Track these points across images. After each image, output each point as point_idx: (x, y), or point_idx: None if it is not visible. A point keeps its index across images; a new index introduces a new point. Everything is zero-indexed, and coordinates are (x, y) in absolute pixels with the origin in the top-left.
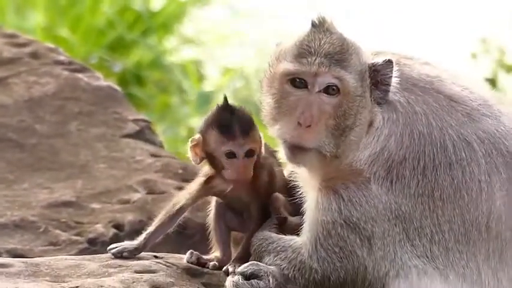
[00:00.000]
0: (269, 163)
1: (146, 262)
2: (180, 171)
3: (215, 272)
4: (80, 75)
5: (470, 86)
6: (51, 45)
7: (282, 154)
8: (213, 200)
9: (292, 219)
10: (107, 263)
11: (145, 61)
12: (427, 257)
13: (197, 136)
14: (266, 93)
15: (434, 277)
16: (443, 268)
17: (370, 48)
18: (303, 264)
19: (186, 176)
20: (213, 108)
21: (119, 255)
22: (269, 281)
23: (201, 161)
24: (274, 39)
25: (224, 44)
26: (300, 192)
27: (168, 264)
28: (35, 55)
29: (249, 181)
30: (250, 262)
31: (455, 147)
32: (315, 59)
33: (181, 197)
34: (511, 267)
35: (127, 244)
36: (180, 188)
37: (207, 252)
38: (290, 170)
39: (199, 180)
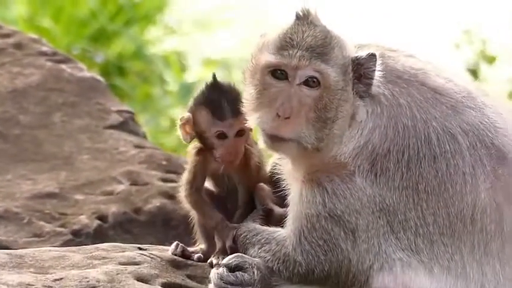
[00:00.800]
0: (258, 149)
1: (130, 254)
2: (164, 162)
3: (200, 264)
4: (63, 66)
5: (454, 78)
6: (34, 36)
7: (261, 142)
8: None
9: (278, 211)
10: (91, 254)
11: (127, 52)
12: (412, 250)
13: (187, 115)
14: (248, 83)
15: (418, 270)
16: (428, 261)
17: (354, 40)
18: (287, 257)
19: (170, 167)
20: (202, 86)
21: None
22: (254, 273)
23: (191, 139)
24: (257, 30)
25: (207, 35)
26: (284, 185)
27: (152, 256)
28: (18, 46)
29: (239, 161)
30: (235, 254)
31: (439, 139)
32: (297, 51)
33: (185, 181)
34: (496, 260)
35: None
36: (164, 180)
37: (191, 244)
38: (274, 162)
39: (192, 156)
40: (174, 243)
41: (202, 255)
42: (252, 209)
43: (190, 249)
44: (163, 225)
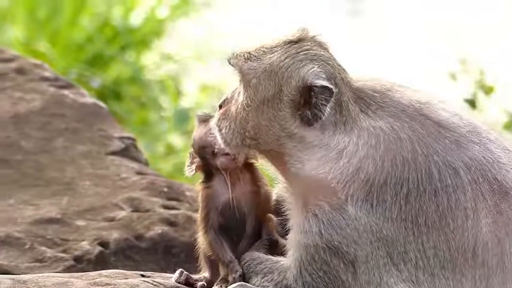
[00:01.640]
0: (265, 182)
1: (134, 281)
2: (165, 189)
3: None
4: (65, 92)
5: (460, 113)
6: (36, 61)
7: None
8: None
9: (283, 242)
10: (94, 281)
11: (123, 77)
12: (413, 282)
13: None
14: None
15: None
16: None
17: (360, 73)
18: None
19: (171, 194)
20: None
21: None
22: None
23: (197, 169)
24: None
25: (202, 61)
26: (287, 215)
27: (155, 283)
28: (20, 71)
29: (241, 163)
30: (238, 283)
31: (440, 173)
32: None
33: (199, 219)
34: None
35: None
36: (165, 207)
37: (194, 271)
38: (278, 192)
39: (201, 192)
40: (178, 271)
41: (205, 284)
42: (257, 239)
43: (194, 276)
44: (165, 252)
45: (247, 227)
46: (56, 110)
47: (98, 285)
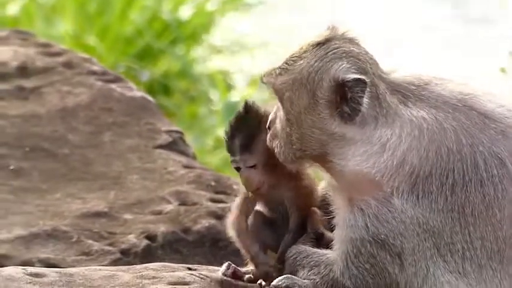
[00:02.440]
0: (309, 177)
1: (180, 274)
2: (213, 183)
3: (249, 285)
4: (113, 86)
5: (507, 104)
6: (84, 55)
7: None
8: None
9: (329, 235)
10: (140, 274)
11: (173, 70)
12: (460, 273)
13: None
14: None
15: None
16: (476, 284)
17: (400, 68)
18: (335, 282)
19: (219, 188)
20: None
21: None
22: None
23: None
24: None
25: (252, 55)
26: (333, 210)
27: (202, 276)
28: (68, 65)
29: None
30: (284, 276)
31: (486, 164)
32: None
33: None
34: None
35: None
36: (212, 200)
37: (240, 264)
38: (324, 187)
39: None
40: (225, 264)
41: (252, 276)
42: (302, 234)
43: (242, 269)
44: (212, 246)
45: (291, 222)
46: (103, 104)
47: (144, 278)
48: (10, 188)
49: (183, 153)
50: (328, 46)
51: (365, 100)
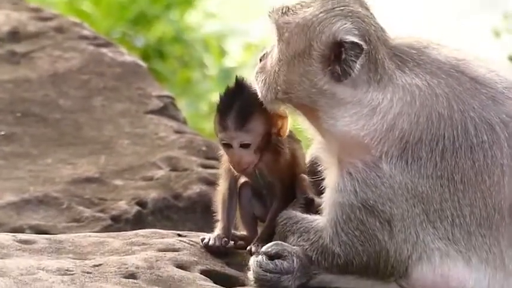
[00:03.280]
0: (292, 145)
1: (170, 240)
2: (204, 148)
3: (239, 251)
4: (104, 50)
5: (497, 69)
6: (75, 19)
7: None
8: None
9: (319, 201)
10: (130, 240)
11: (167, 36)
12: (449, 240)
13: None
14: None
15: (457, 260)
16: (466, 251)
17: (398, 33)
18: (325, 249)
19: (210, 154)
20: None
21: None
22: (293, 261)
23: None
24: None
25: (247, 19)
26: (322, 175)
27: (191, 242)
28: (59, 29)
29: (252, 168)
30: (274, 242)
31: (476, 129)
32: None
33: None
34: None
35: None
36: (204, 166)
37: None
38: (313, 152)
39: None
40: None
41: (243, 242)
42: (292, 200)
43: (237, 233)
44: (203, 212)
45: (276, 191)
46: (94, 68)
47: (134, 244)
48: (1, 154)
49: (174, 118)
50: (338, 1)
51: (357, 66)
